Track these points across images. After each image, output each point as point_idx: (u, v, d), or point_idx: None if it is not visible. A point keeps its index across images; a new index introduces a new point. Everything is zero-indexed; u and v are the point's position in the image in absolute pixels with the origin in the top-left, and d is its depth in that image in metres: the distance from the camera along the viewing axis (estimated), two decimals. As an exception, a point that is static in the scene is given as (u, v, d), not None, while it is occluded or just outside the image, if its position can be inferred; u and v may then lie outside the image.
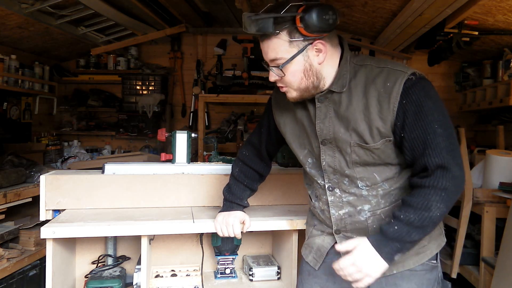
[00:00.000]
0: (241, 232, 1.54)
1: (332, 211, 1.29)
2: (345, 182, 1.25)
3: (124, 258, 1.89)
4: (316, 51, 1.16)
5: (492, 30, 2.99)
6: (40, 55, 4.25)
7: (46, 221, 1.59)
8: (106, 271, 1.79)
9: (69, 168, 3.78)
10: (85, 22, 3.66)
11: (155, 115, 4.46)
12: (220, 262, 1.90)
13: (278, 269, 1.89)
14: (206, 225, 1.61)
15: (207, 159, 2.48)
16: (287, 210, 1.84)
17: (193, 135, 2.03)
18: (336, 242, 1.33)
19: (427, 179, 1.10)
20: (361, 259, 1.12)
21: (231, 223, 1.52)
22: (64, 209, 1.76)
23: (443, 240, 1.31)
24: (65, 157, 4.28)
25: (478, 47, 3.44)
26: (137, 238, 1.63)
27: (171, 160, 1.98)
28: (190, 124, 4.46)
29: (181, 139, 1.97)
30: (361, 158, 1.20)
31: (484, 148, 3.34)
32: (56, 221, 1.57)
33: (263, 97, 3.78)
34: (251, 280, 1.88)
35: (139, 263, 1.70)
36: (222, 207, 1.59)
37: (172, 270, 1.89)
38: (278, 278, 1.89)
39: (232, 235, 1.52)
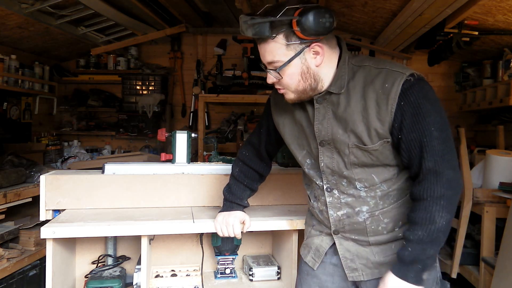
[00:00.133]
0: (241, 232, 1.54)
1: (331, 212, 1.29)
2: (343, 183, 1.25)
3: (124, 258, 1.89)
4: (313, 54, 1.16)
5: (492, 30, 2.99)
6: (40, 55, 4.25)
7: (46, 221, 1.59)
8: (106, 271, 1.79)
9: (69, 168, 3.78)
10: (85, 22, 3.66)
11: (155, 115, 4.46)
12: (220, 262, 1.90)
13: (278, 269, 1.89)
14: (206, 225, 1.61)
15: (207, 159, 2.48)
16: (287, 210, 1.84)
17: (193, 135, 2.03)
18: (334, 243, 1.33)
19: (422, 188, 1.10)
20: None
21: (231, 223, 1.52)
22: (64, 209, 1.76)
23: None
24: (65, 157, 4.28)
25: (478, 47, 3.44)
26: (137, 238, 1.63)
27: (171, 160, 1.98)
28: (190, 124, 4.46)
29: (181, 139, 1.97)
30: (359, 159, 1.20)
31: (484, 148, 3.34)
32: (56, 221, 1.57)
33: (263, 97, 3.78)
34: (251, 280, 1.88)
35: (139, 263, 1.70)
36: (222, 207, 1.59)
37: (172, 270, 1.89)
38: (278, 278, 1.89)
39: (232, 235, 1.52)
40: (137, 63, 4.55)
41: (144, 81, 4.43)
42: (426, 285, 1.15)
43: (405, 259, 1.10)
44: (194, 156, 3.66)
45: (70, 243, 1.77)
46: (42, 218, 1.74)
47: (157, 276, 1.84)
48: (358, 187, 1.23)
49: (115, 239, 1.88)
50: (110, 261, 1.86)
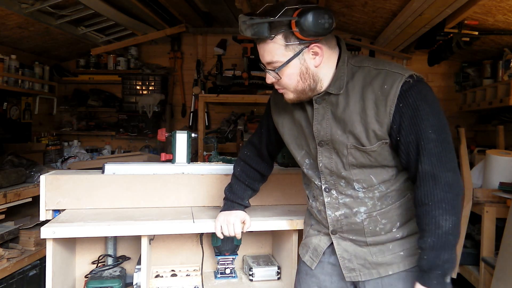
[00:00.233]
0: (242, 232, 1.54)
1: (329, 212, 1.29)
2: (341, 183, 1.25)
3: (124, 258, 1.88)
4: (312, 54, 1.16)
5: (492, 30, 2.99)
6: (40, 55, 4.25)
7: (46, 221, 1.59)
8: (106, 271, 1.79)
9: (69, 168, 3.78)
10: (85, 22, 3.66)
11: (155, 115, 4.46)
12: (220, 262, 1.90)
13: (278, 269, 1.89)
14: (206, 225, 1.61)
15: (207, 159, 2.48)
16: (287, 210, 1.84)
17: (193, 135, 2.03)
18: (332, 243, 1.33)
19: (422, 193, 1.10)
20: None
21: (232, 222, 1.51)
22: (64, 209, 1.76)
23: None
24: (65, 157, 4.28)
25: (478, 47, 3.44)
26: (137, 238, 1.63)
27: (171, 160, 1.98)
28: (190, 124, 4.46)
29: (181, 139, 1.97)
30: (357, 160, 1.19)
31: (484, 148, 3.34)
32: (56, 221, 1.57)
33: (263, 97, 3.78)
34: (251, 280, 1.88)
35: (139, 263, 1.70)
36: (223, 206, 1.59)
37: (172, 270, 1.89)
38: (278, 278, 1.89)
39: (232, 235, 1.52)
40: (137, 63, 4.55)
41: (144, 81, 4.43)
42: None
43: (424, 267, 1.11)
44: (194, 156, 3.66)
45: (70, 243, 1.77)
46: (42, 218, 1.74)
47: (157, 276, 1.84)
48: (356, 187, 1.23)
49: (115, 239, 1.88)
50: (110, 261, 1.86)
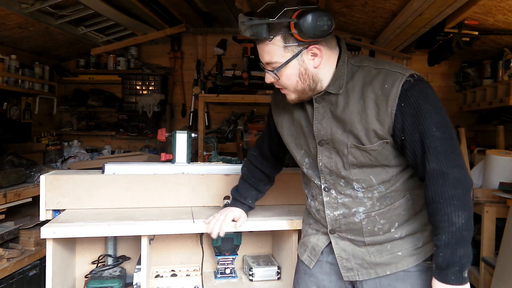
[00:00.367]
0: (235, 231, 1.54)
1: (327, 211, 1.29)
2: (341, 183, 1.25)
3: (124, 258, 1.88)
4: (311, 56, 1.16)
5: (492, 30, 2.99)
6: (40, 55, 4.25)
7: (46, 221, 1.59)
8: (106, 271, 1.79)
9: (69, 168, 3.78)
10: (85, 22, 3.66)
11: (155, 115, 4.46)
12: (220, 262, 1.90)
13: (278, 269, 1.89)
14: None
15: (207, 159, 2.48)
16: (287, 210, 1.84)
17: (193, 135, 2.03)
18: (330, 242, 1.33)
19: (432, 191, 1.10)
20: None
21: (221, 218, 1.51)
22: (64, 209, 1.76)
23: None
24: (65, 157, 4.28)
25: (478, 47, 3.44)
26: (137, 238, 1.63)
27: (171, 160, 1.98)
28: (190, 124, 4.46)
29: (181, 139, 1.97)
30: (357, 159, 1.19)
31: (484, 148, 3.34)
32: (56, 221, 1.57)
33: (263, 97, 3.78)
34: (251, 280, 1.88)
35: (139, 263, 1.70)
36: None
37: (172, 270, 1.89)
38: (278, 278, 1.89)
39: (216, 230, 1.50)
40: (137, 63, 4.55)
41: (144, 81, 4.43)
42: (417, 282, 1.19)
43: (441, 265, 1.11)
44: (194, 156, 3.66)
45: (70, 243, 1.77)
46: (42, 218, 1.74)
47: (157, 276, 1.84)
48: (355, 187, 1.23)
49: (115, 239, 1.88)
50: (110, 261, 1.86)
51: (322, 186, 1.29)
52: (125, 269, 1.85)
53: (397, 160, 1.19)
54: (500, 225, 2.54)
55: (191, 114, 4.49)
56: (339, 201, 1.27)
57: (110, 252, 1.86)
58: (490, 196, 2.65)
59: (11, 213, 2.53)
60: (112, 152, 4.61)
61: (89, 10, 3.21)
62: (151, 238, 1.70)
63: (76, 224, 1.52)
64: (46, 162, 4.19)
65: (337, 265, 1.32)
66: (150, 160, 3.70)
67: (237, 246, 1.93)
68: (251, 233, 2.00)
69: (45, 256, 1.75)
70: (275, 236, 2.01)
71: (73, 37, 3.83)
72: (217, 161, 2.24)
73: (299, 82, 1.19)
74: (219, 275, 1.89)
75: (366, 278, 1.26)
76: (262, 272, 1.88)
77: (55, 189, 1.74)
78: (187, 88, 4.58)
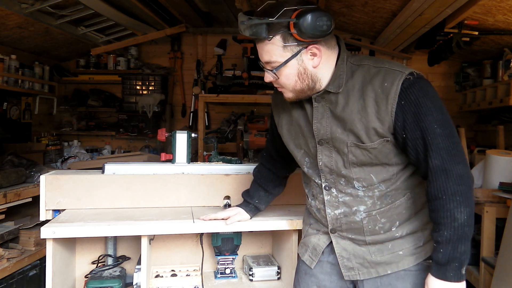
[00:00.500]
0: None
1: (328, 210, 1.29)
2: (341, 182, 1.25)
3: (124, 258, 1.88)
4: (310, 55, 1.16)
5: (492, 30, 2.99)
6: (40, 55, 4.25)
7: (46, 221, 1.59)
8: (106, 271, 1.79)
9: (69, 168, 3.78)
10: (85, 22, 3.66)
11: (155, 115, 4.46)
12: (220, 262, 1.90)
13: (278, 269, 1.89)
14: (206, 225, 1.61)
15: (207, 159, 2.48)
16: (287, 210, 1.84)
17: (193, 135, 2.03)
18: (331, 242, 1.33)
19: (435, 187, 1.10)
20: None
21: (218, 213, 1.61)
22: (64, 209, 1.76)
23: None
24: (65, 157, 4.28)
25: (478, 47, 3.44)
26: (137, 238, 1.63)
27: (171, 160, 1.98)
28: (190, 124, 4.46)
29: (181, 139, 1.97)
30: (358, 158, 1.19)
31: (484, 148, 3.34)
32: (56, 221, 1.57)
33: (263, 97, 3.78)
34: (251, 280, 1.88)
35: (139, 263, 1.70)
36: None
37: (172, 270, 1.89)
38: (278, 278, 1.89)
39: (204, 218, 1.60)
40: (137, 63, 4.55)
41: (144, 81, 4.43)
42: (417, 281, 1.19)
43: (440, 261, 1.11)
44: (194, 156, 3.66)
45: (70, 243, 1.77)
46: (42, 218, 1.74)
47: (157, 276, 1.84)
48: (356, 186, 1.23)
49: (115, 239, 1.88)
50: (110, 261, 1.86)
51: (323, 185, 1.29)
52: (125, 269, 1.85)
53: (397, 159, 1.19)
54: (500, 225, 2.54)
55: (191, 114, 4.49)
56: (340, 199, 1.27)
57: (110, 252, 1.86)
58: (490, 196, 2.65)
59: (11, 213, 2.53)
60: (112, 152, 4.61)
61: (89, 10, 3.21)
62: (151, 238, 1.70)
63: (76, 224, 1.52)
64: (46, 162, 4.19)
65: (338, 265, 1.32)
66: (150, 160, 3.70)
67: (237, 246, 1.93)
68: (251, 233, 2.00)
69: (45, 256, 1.75)
70: (275, 236, 2.01)
71: (73, 37, 3.83)
72: (217, 161, 2.23)
73: (298, 81, 1.19)
74: (219, 275, 1.89)
75: (367, 277, 1.27)
76: (262, 272, 1.88)
77: (55, 189, 1.74)
78: (187, 88, 4.58)
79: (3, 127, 3.77)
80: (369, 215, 1.23)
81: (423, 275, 1.22)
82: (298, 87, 1.20)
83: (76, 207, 1.77)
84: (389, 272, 1.24)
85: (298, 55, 1.15)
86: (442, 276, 1.11)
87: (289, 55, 1.15)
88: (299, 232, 1.69)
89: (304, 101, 1.26)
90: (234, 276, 1.91)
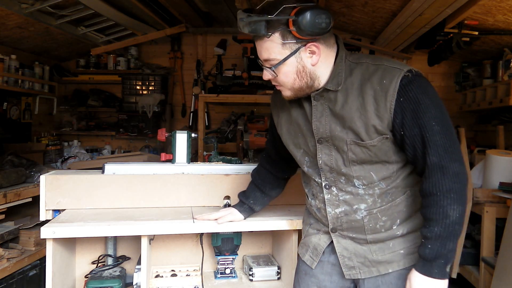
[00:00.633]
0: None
1: (329, 209, 1.29)
2: (341, 180, 1.25)
3: (124, 258, 1.88)
4: (309, 53, 1.16)
5: (492, 30, 2.99)
6: (40, 55, 4.25)
7: (46, 221, 1.59)
8: (106, 271, 1.79)
9: (69, 168, 3.78)
10: (85, 22, 3.66)
11: (155, 115, 4.46)
12: (220, 262, 1.90)
13: (278, 269, 1.89)
14: (206, 225, 1.61)
15: (207, 159, 2.48)
16: (287, 210, 1.84)
17: (193, 135, 2.03)
18: (332, 241, 1.33)
19: (430, 184, 1.11)
20: None
21: (211, 213, 1.63)
22: (64, 209, 1.76)
23: None
24: (65, 157, 4.28)
25: (478, 47, 3.44)
26: (137, 238, 1.63)
27: (171, 160, 1.98)
28: (190, 124, 4.46)
29: (181, 139, 1.97)
30: (357, 156, 1.20)
31: (484, 148, 3.34)
32: (56, 221, 1.57)
33: (263, 97, 3.78)
34: (251, 280, 1.88)
35: (139, 263, 1.70)
36: None
37: (172, 270, 1.89)
38: (278, 278, 1.89)
39: (199, 219, 1.63)
40: (137, 63, 4.55)
41: (144, 81, 4.43)
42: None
43: (427, 257, 1.11)
44: (194, 156, 3.66)
45: (70, 243, 1.77)
46: (42, 218, 1.74)
47: (157, 276, 1.84)
48: (356, 184, 1.23)
49: (115, 239, 1.88)
50: (110, 261, 1.86)
51: (323, 184, 1.29)
52: (125, 269, 1.85)
53: (397, 156, 1.20)
54: (500, 225, 2.54)
55: (191, 114, 4.49)
56: (340, 198, 1.27)
57: (110, 252, 1.86)
58: (490, 196, 2.65)
59: (11, 213, 2.53)
60: (112, 152, 4.61)
61: (89, 10, 3.21)
62: (151, 238, 1.70)
63: (76, 224, 1.52)
64: (46, 162, 4.19)
65: (338, 265, 1.32)
66: (150, 160, 3.70)
67: (237, 246, 1.93)
68: (251, 233, 2.00)
69: (45, 256, 1.76)
70: (275, 236, 2.01)
71: (73, 37, 3.83)
72: (217, 161, 2.23)
73: (296, 79, 1.19)
74: (219, 275, 1.89)
75: (368, 276, 1.27)
76: (262, 272, 1.88)
77: (55, 189, 1.74)
78: (187, 88, 4.58)
79: (3, 127, 3.78)
80: (370, 213, 1.24)
81: None
82: (296, 85, 1.20)
83: (76, 207, 1.77)
84: (390, 270, 1.24)
85: (297, 52, 1.15)
86: (427, 272, 1.12)
87: (288, 52, 1.15)
88: (299, 232, 1.69)
89: (303, 100, 1.26)
90: (234, 276, 1.91)
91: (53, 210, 1.76)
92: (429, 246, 1.11)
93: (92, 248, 1.89)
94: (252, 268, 1.88)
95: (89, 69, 4.61)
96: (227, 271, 1.90)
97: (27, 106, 4.14)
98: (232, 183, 1.90)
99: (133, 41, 4.17)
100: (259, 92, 3.87)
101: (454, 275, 2.75)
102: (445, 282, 1.12)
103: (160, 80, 4.43)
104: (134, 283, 1.66)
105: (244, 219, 1.63)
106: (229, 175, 1.91)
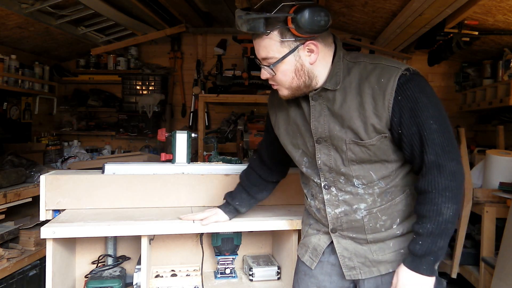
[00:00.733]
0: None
1: (328, 209, 1.29)
2: (341, 180, 1.25)
3: (124, 258, 1.88)
4: (308, 51, 1.16)
5: (492, 30, 2.99)
6: (40, 55, 4.25)
7: (46, 221, 1.59)
8: (106, 271, 1.79)
9: (69, 168, 3.78)
10: (85, 22, 3.66)
11: (155, 115, 4.46)
12: (220, 262, 1.90)
13: (278, 269, 1.89)
14: (206, 225, 1.60)
15: (207, 159, 2.48)
16: (287, 210, 1.84)
17: (193, 135, 2.03)
18: (332, 242, 1.33)
19: (426, 181, 1.11)
20: (408, 286, 1.13)
21: (196, 214, 1.62)
22: (64, 209, 1.76)
23: None
24: (65, 157, 4.28)
25: (478, 47, 3.44)
26: (137, 238, 1.63)
27: (171, 160, 1.98)
28: (190, 124, 4.46)
29: (181, 139, 1.97)
30: (357, 155, 1.20)
31: (484, 148, 3.34)
32: (56, 221, 1.57)
33: (263, 97, 3.78)
34: (251, 280, 1.88)
35: (139, 263, 1.70)
36: None
37: (172, 270, 1.89)
38: (278, 278, 1.89)
39: (184, 219, 1.62)
40: (137, 63, 4.55)
41: (144, 81, 4.43)
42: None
43: (417, 253, 1.12)
44: (194, 156, 3.66)
45: (70, 243, 1.77)
46: (42, 218, 1.74)
47: (157, 276, 1.84)
48: (355, 184, 1.23)
49: (115, 239, 1.88)
50: (110, 261, 1.86)
51: (322, 184, 1.29)
52: (125, 269, 1.85)
53: (396, 155, 1.20)
54: (500, 225, 2.54)
55: (191, 114, 4.49)
56: (340, 198, 1.26)
57: (110, 252, 1.86)
58: (490, 196, 2.65)
59: (11, 213, 2.53)
60: (112, 152, 4.61)
61: (89, 10, 3.21)
62: (151, 238, 1.70)
63: (76, 224, 1.52)
64: (46, 162, 4.19)
65: (338, 265, 1.32)
66: (150, 160, 3.70)
67: (237, 246, 1.93)
68: (251, 233, 2.00)
69: (45, 256, 1.76)
70: (275, 236, 2.01)
71: (73, 37, 3.83)
72: (217, 161, 2.23)
73: (294, 78, 1.19)
74: (219, 275, 1.89)
75: (369, 276, 1.27)
76: (262, 272, 1.88)
77: (55, 189, 1.74)
78: (187, 88, 4.58)
79: (3, 127, 3.78)
80: (369, 213, 1.24)
81: None
82: (294, 84, 1.20)
83: (76, 207, 1.77)
84: (390, 270, 1.24)
85: (296, 51, 1.15)
86: (415, 268, 1.12)
87: (286, 50, 1.15)
88: (299, 232, 1.68)
89: (301, 99, 1.26)
90: (234, 276, 1.91)
91: (53, 210, 1.76)
92: (420, 242, 1.11)
93: (92, 248, 1.89)
94: (252, 268, 1.88)
95: (89, 69, 4.61)
96: (227, 271, 1.90)
97: (27, 106, 4.14)
98: (232, 183, 1.89)
99: (133, 41, 4.18)
100: (259, 92, 3.87)
101: (454, 275, 2.75)
102: (432, 279, 1.13)
103: (160, 80, 4.43)
104: (134, 283, 1.66)
105: (229, 219, 1.63)
106: (229, 175, 1.91)
